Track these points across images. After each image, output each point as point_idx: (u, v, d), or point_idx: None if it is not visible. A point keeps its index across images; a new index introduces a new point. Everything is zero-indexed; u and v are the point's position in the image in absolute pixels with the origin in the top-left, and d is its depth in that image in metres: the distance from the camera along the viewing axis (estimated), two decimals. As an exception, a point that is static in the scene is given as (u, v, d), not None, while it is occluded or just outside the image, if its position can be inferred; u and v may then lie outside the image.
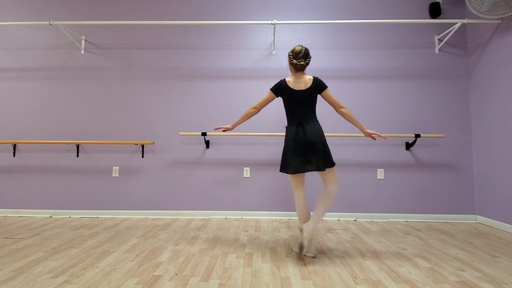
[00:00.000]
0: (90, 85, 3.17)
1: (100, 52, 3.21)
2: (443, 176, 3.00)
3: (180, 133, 2.93)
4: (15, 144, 3.12)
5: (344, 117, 1.96)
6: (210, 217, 3.02)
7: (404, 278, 1.61)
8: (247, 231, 2.52)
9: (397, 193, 3.01)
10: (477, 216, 2.93)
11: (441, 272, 1.70)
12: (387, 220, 2.96)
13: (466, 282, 1.57)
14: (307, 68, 3.13)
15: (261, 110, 1.97)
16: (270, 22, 2.86)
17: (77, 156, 3.11)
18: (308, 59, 1.93)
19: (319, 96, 3.20)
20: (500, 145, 2.67)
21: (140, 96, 3.16)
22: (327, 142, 3.04)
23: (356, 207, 3.01)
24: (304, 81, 1.93)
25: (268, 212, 3.01)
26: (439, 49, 3.10)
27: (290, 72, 3.13)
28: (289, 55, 1.95)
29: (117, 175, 3.09)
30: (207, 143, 3.06)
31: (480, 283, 1.56)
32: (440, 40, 3.12)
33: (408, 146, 3.02)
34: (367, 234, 2.47)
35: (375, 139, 1.99)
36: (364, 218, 2.99)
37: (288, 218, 3.00)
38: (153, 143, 3.03)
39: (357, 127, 1.98)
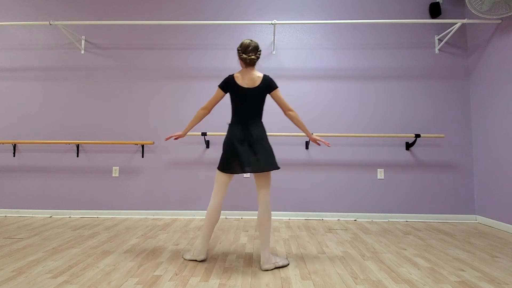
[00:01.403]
0: (90, 85, 3.17)
1: (100, 52, 3.21)
2: (443, 176, 3.00)
3: (180, 133, 2.93)
4: (15, 144, 3.12)
5: (291, 120, 1.86)
6: (210, 217, 3.02)
7: (404, 278, 1.61)
8: (247, 231, 2.52)
9: (397, 193, 3.01)
10: (477, 216, 2.93)
11: (441, 272, 1.70)
12: (387, 220, 2.96)
13: (466, 282, 1.57)
14: (309, 67, 3.13)
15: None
16: (270, 22, 2.86)
17: (77, 156, 3.11)
18: (258, 53, 1.81)
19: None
20: (500, 145, 2.67)
21: (140, 96, 3.16)
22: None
23: (356, 207, 3.01)
24: (253, 79, 1.80)
25: (268, 212, 3.01)
26: (439, 49, 3.10)
27: (290, 72, 3.13)
28: (238, 50, 1.82)
29: (117, 175, 3.09)
30: (207, 143, 3.06)
31: (480, 283, 1.56)
32: (440, 40, 3.12)
33: (408, 146, 3.02)
34: (367, 234, 2.47)
35: (319, 144, 1.93)
36: (364, 218, 2.99)
37: (288, 218, 3.00)
38: (153, 143, 3.03)
39: (303, 131, 1.88)
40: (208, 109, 1.88)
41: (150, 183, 3.08)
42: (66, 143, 2.99)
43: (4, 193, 3.09)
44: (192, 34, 3.20)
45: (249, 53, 1.79)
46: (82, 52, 3.21)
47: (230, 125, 1.84)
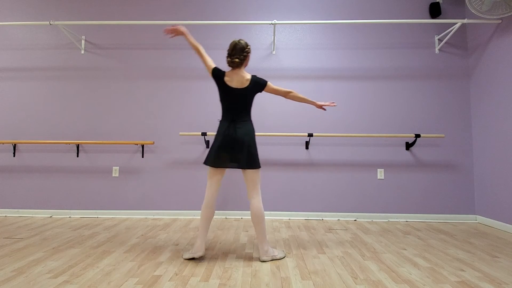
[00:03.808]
0: (90, 85, 3.17)
1: (100, 52, 3.21)
2: (443, 176, 3.00)
3: (180, 133, 2.93)
4: (15, 144, 3.12)
5: (294, 99, 1.97)
6: (210, 217, 3.02)
7: (404, 278, 1.61)
8: (247, 231, 2.52)
9: (397, 193, 3.01)
10: (477, 216, 2.93)
11: (441, 272, 1.70)
12: (387, 220, 2.96)
13: (466, 282, 1.57)
14: (309, 67, 3.13)
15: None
16: (270, 22, 2.86)
17: (77, 156, 3.11)
18: (243, 54, 1.83)
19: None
20: (500, 145, 2.67)
21: (140, 96, 3.16)
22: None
23: (356, 207, 3.01)
24: (241, 81, 1.85)
25: (268, 212, 3.01)
26: (439, 49, 3.10)
27: (290, 72, 3.14)
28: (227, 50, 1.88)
29: (117, 175, 3.09)
30: (207, 143, 3.06)
31: (480, 283, 1.56)
32: (440, 40, 3.12)
33: (408, 146, 3.02)
34: (367, 234, 2.47)
35: (325, 109, 2.08)
36: (364, 218, 2.99)
37: (288, 218, 3.00)
38: (153, 143, 3.03)
39: (307, 102, 1.99)
40: (202, 56, 1.91)
41: (150, 183, 3.08)
42: (66, 143, 2.99)
43: (4, 193, 3.09)
44: (192, 34, 3.20)
45: (233, 56, 1.85)
46: (82, 52, 3.21)
47: (220, 122, 1.92)
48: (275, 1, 3.20)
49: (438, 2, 3.05)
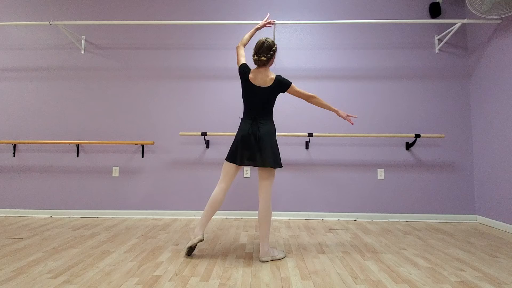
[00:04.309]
0: (90, 85, 3.17)
1: (100, 52, 3.21)
2: (443, 176, 3.00)
3: (180, 133, 2.93)
4: (15, 144, 3.12)
5: (317, 105, 1.96)
6: (210, 217, 3.02)
7: (404, 278, 1.61)
8: (247, 231, 2.52)
9: (397, 193, 3.01)
10: (477, 216, 2.93)
11: (441, 272, 1.70)
12: (387, 220, 2.96)
13: (466, 282, 1.57)
14: (309, 67, 3.13)
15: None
16: (270, 22, 2.86)
17: (77, 156, 3.11)
18: (270, 53, 1.85)
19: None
20: (500, 145, 2.67)
21: (140, 96, 3.16)
22: (328, 140, 3.05)
23: (356, 207, 3.01)
24: (265, 79, 1.86)
25: (268, 212, 3.01)
26: (439, 49, 3.10)
27: (290, 72, 3.13)
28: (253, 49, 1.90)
29: (117, 175, 3.09)
30: (207, 143, 3.06)
31: (480, 283, 1.56)
32: (440, 40, 3.12)
33: (408, 146, 3.02)
34: (367, 234, 2.47)
35: (352, 122, 1.99)
36: (364, 218, 2.99)
37: (288, 218, 3.00)
38: (153, 143, 3.03)
39: (330, 110, 1.97)
40: (243, 47, 2.02)
41: (150, 183, 3.08)
42: (66, 143, 2.99)
43: (4, 193, 3.09)
44: (192, 34, 3.20)
45: (259, 55, 1.85)
46: (82, 52, 3.21)
47: (242, 120, 1.92)
48: (275, 1, 3.20)
49: (438, 2, 3.04)
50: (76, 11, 3.24)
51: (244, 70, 1.91)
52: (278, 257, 1.87)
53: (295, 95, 1.93)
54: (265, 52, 1.84)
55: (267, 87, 1.86)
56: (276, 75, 1.87)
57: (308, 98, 1.93)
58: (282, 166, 1.88)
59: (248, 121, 1.87)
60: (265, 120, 1.87)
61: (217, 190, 1.89)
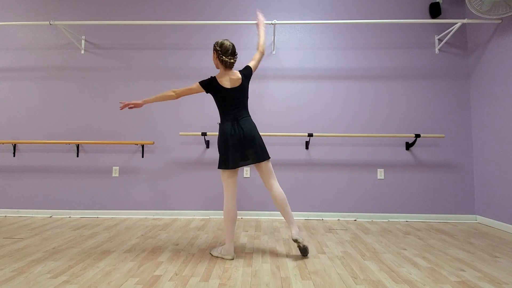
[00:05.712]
0: (90, 85, 3.17)
1: (100, 52, 3.21)
2: (443, 176, 3.00)
3: (180, 133, 2.93)
4: (15, 144, 3.12)
5: (259, 51, 2.05)
6: (210, 217, 3.02)
7: (404, 278, 1.61)
8: (247, 231, 2.52)
9: (397, 193, 3.01)
10: (477, 216, 2.93)
11: (441, 272, 1.70)
12: (387, 220, 2.96)
13: (466, 282, 1.57)
14: (309, 68, 3.13)
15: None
16: (270, 22, 2.86)
17: (77, 156, 3.11)
18: (236, 57, 1.92)
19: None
20: (500, 145, 2.67)
21: (140, 96, 3.16)
22: (330, 139, 3.05)
23: (356, 207, 3.01)
24: (234, 79, 1.90)
25: (268, 212, 3.01)
26: (439, 49, 3.10)
27: (290, 72, 3.13)
28: (217, 50, 1.86)
29: (117, 175, 3.09)
30: (207, 143, 3.06)
31: (480, 283, 1.56)
32: (440, 40, 3.12)
33: (408, 146, 3.02)
34: (367, 234, 2.47)
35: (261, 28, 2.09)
36: (364, 218, 2.99)
37: (288, 218, 3.00)
38: (153, 143, 3.03)
39: (262, 37, 2.07)
40: (177, 95, 1.94)
41: (150, 183, 3.08)
42: (66, 143, 2.99)
43: (4, 193, 3.09)
44: (191, 34, 3.20)
45: (229, 56, 1.88)
46: (82, 52, 3.21)
47: (221, 124, 1.91)
48: (275, 1, 3.20)
49: (438, 2, 3.04)
50: (76, 11, 3.25)
51: (210, 82, 1.89)
52: (304, 242, 1.86)
53: (256, 66, 2.03)
54: (232, 55, 1.90)
55: (239, 86, 1.91)
56: (239, 72, 1.94)
57: (261, 55, 2.05)
58: (270, 158, 1.95)
59: (229, 123, 1.86)
60: (244, 118, 1.91)
61: (230, 207, 1.86)
